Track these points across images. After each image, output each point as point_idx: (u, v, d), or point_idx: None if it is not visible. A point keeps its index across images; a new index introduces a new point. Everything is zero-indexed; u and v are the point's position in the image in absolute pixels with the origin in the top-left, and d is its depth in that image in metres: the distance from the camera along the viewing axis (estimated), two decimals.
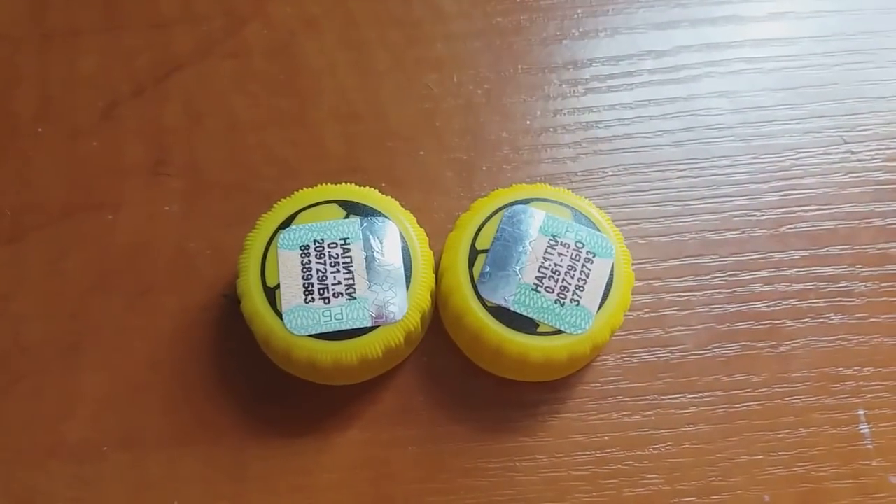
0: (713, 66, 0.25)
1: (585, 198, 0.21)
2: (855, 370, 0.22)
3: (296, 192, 0.21)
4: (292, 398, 0.21)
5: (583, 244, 0.20)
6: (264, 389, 0.21)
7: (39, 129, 0.24)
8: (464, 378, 0.21)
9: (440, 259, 0.21)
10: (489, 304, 0.20)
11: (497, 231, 0.20)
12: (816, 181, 0.24)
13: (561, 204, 0.21)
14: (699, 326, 0.22)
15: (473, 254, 0.20)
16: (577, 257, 0.20)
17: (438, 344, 0.22)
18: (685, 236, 0.23)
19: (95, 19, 0.25)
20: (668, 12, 0.26)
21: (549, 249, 0.20)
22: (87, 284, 0.22)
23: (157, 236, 0.23)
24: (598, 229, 0.20)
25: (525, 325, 0.19)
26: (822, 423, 0.21)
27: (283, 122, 0.24)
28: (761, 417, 0.21)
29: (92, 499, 0.20)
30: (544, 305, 0.20)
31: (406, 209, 0.21)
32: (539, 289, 0.20)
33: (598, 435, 0.21)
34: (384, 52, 0.25)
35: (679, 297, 0.22)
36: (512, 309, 0.19)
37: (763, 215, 0.23)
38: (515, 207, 0.21)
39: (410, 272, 0.20)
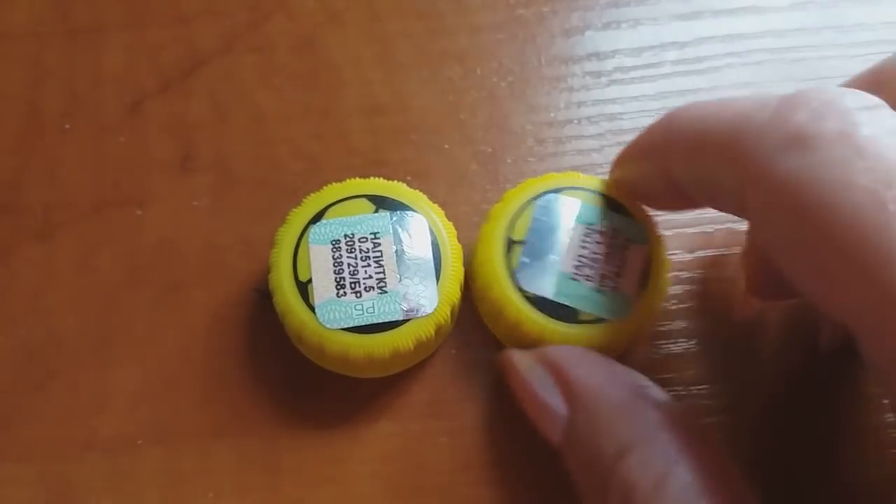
0: (735, 56, 0.25)
1: None
2: None
3: (325, 187, 0.21)
4: (323, 391, 0.21)
5: (618, 231, 0.20)
6: (295, 382, 0.21)
7: (67, 126, 0.24)
8: (493, 369, 0.22)
9: (473, 251, 0.21)
10: (529, 295, 0.20)
11: (531, 221, 0.20)
12: None
13: (593, 192, 0.21)
14: (724, 317, 0.22)
15: (509, 245, 0.20)
16: (614, 244, 0.20)
17: (467, 336, 0.22)
18: (711, 227, 0.23)
19: (119, 15, 0.25)
20: (690, 3, 0.26)
21: (585, 237, 0.20)
22: (118, 280, 0.22)
23: (186, 231, 0.23)
24: (631, 216, 0.21)
25: (566, 314, 0.20)
26: (851, 412, 0.21)
27: (309, 116, 0.24)
28: (785, 408, 0.21)
29: (127, 491, 0.21)
30: (584, 294, 0.20)
31: (433, 203, 0.21)
32: (578, 277, 0.20)
33: None
34: (407, 44, 0.25)
35: (704, 288, 0.22)
36: (552, 299, 0.20)
37: None
38: (548, 196, 0.21)
39: (440, 265, 0.20)
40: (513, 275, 0.20)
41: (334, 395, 0.21)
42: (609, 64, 0.25)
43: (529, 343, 0.20)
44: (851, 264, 0.14)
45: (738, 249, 0.23)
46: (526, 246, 0.20)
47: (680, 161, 0.18)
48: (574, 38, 0.25)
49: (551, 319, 0.20)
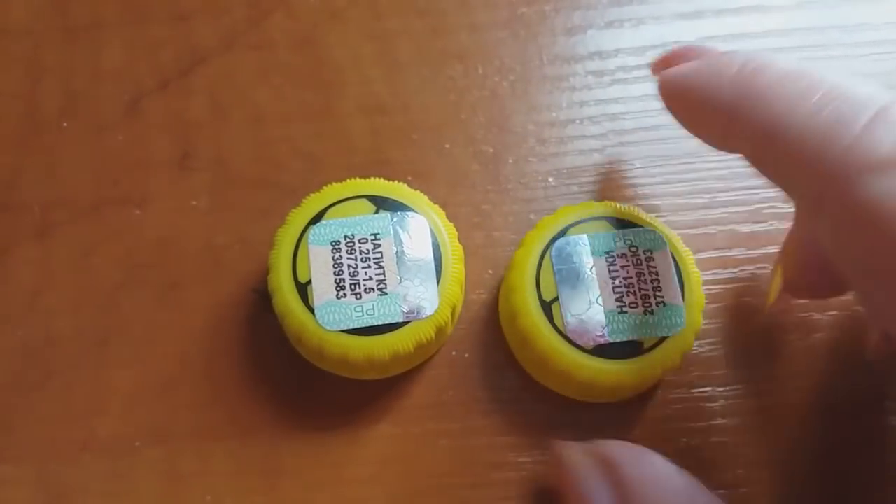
0: None
1: (608, 200, 0.21)
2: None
3: (325, 187, 0.21)
4: (322, 392, 0.21)
5: (636, 246, 0.20)
6: (294, 383, 0.21)
7: (65, 124, 0.24)
8: (493, 371, 0.21)
9: (508, 321, 0.21)
10: (588, 349, 0.19)
11: (555, 275, 0.20)
12: None
13: (593, 219, 0.21)
14: (728, 319, 0.22)
15: (545, 307, 0.20)
16: (638, 261, 0.20)
17: (467, 338, 0.22)
18: (713, 229, 0.23)
19: (118, 12, 0.25)
20: (693, 2, 0.26)
21: (610, 267, 0.20)
22: (116, 279, 0.22)
23: (184, 231, 0.23)
24: (639, 225, 0.20)
25: (631, 350, 0.19)
26: (852, 416, 0.21)
27: (309, 115, 0.24)
28: (791, 410, 0.21)
29: (125, 493, 0.20)
30: (638, 322, 0.19)
31: (434, 203, 0.21)
32: (625, 309, 0.19)
33: (628, 428, 0.21)
34: (408, 43, 0.25)
35: (708, 290, 0.22)
36: (612, 341, 0.19)
37: (791, 207, 0.23)
38: (557, 245, 0.20)
39: (441, 267, 0.20)
40: (564, 336, 0.19)
41: (334, 397, 0.21)
42: (612, 63, 0.25)
43: (606, 392, 0.20)
44: None
45: (738, 251, 0.23)
46: (562, 301, 0.20)
47: (747, 145, 0.17)
48: (576, 36, 0.25)
49: (619, 362, 0.19)
